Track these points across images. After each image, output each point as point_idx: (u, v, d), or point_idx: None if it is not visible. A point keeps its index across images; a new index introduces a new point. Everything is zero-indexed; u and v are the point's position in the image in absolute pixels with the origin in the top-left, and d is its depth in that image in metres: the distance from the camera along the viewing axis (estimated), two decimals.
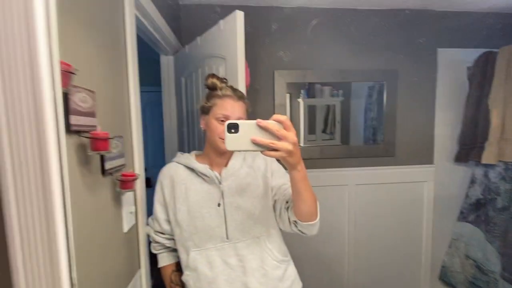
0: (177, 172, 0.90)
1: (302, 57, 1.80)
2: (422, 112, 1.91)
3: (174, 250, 0.95)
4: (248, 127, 0.58)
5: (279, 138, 0.58)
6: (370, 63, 1.84)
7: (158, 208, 0.92)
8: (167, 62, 1.68)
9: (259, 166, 0.91)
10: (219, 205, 0.84)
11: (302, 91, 1.99)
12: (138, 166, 0.95)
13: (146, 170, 3.48)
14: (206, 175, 0.86)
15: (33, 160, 0.32)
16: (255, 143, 0.57)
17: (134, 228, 0.94)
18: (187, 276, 0.87)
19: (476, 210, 1.82)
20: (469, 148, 1.81)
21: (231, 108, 0.83)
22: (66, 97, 0.56)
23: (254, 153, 0.94)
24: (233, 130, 0.58)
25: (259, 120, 0.57)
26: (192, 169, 0.88)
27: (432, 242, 1.97)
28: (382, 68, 1.85)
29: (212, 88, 0.88)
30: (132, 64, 0.92)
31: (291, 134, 0.58)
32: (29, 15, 0.30)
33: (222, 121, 0.82)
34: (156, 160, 2.91)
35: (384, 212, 1.92)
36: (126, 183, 0.76)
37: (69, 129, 0.57)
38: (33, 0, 0.30)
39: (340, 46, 1.81)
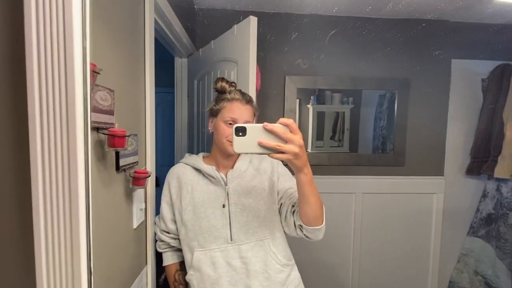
0: (184, 173, 0.91)
1: (314, 63, 1.82)
2: (433, 122, 1.88)
3: (179, 250, 0.96)
4: (255, 130, 0.60)
5: (285, 141, 0.59)
6: (383, 71, 1.84)
7: (164, 207, 0.93)
8: (181, 64, 1.72)
9: (265, 169, 0.92)
10: (224, 206, 0.85)
11: (312, 97, 2.00)
12: (150, 164, 0.97)
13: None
14: (212, 176, 0.87)
15: (61, 154, 0.34)
16: (262, 145, 0.59)
17: (143, 224, 0.96)
18: (191, 276, 0.88)
19: (487, 225, 1.78)
20: (482, 161, 1.77)
21: (239, 112, 0.84)
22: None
23: (261, 156, 0.96)
24: (240, 133, 0.60)
25: (266, 123, 0.59)
26: (199, 170, 0.90)
27: (440, 256, 1.93)
28: (394, 76, 1.85)
29: (221, 91, 0.90)
30: (149, 66, 0.95)
31: (297, 137, 0.60)
32: (67, 17, 0.32)
33: (230, 124, 0.84)
34: (164, 159, 2.96)
35: (391, 223, 1.89)
36: (139, 180, 0.78)
37: (90, 126, 0.59)
38: (72, 3, 0.32)
39: (353, 53, 1.82)
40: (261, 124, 0.59)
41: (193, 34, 1.68)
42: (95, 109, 0.60)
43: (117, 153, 0.73)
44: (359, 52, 1.82)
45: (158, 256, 1.05)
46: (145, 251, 0.98)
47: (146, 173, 0.80)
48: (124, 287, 0.83)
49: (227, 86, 0.89)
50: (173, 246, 0.97)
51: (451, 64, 1.83)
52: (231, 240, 0.84)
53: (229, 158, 0.91)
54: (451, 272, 1.92)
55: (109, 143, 0.63)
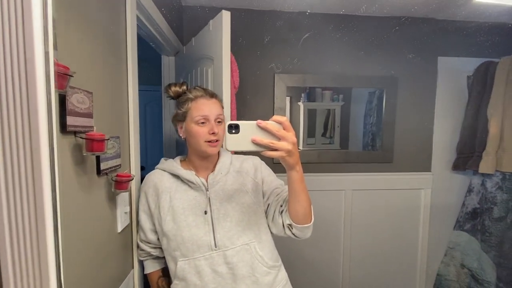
0: (161, 180, 0.87)
1: (303, 61, 1.81)
2: (421, 119, 1.91)
3: (160, 257, 0.95)
4: (248, 128, 0.60)
5: (278, 138, 0.60)
6: (371, 69, 1.85)
7: (143, 217, 0.89)
8: (168, 63, 1.69)
9: (248, 170, 0.89)
10: (205, 212, 0.82)
11: (302, 95, 2.00)
12: (135, 167, 0.95)
13: (144, 169, 3.46)
14: (192, 182, 0.84)
15: (25, 160, 0.33)
16: (255, 143, 0.59)
17: (128, 228, 0.94)
18: (175, 286, 0.85)
19: (472, 219, 1.82)
20: (467, 156, 1.81)
21: (207, 108, 0.82)
22: (63, 98, 0.57)
23: (242, 157, 0.94)
24: (233, 131, 0.60)
25: (259, 120, 0.59)
26: (177, 176, 0.86)
27: (428, 250, 1.97)
28: (382, 74, 1.86)
29: (177, 96, 0.87)
30: (132, 66, 0.92)
31: (291, 135, 0.60)
32: (27, 15, 0.31)
33: (203, 123, 0.81)
34: (154, 158, 2.93)
35: (381, 219, 1.92)
36: (121, 183, 0.77)
37: (66, 130, 0.57)
38: (31, 4, 0.30)
39: (342, 51, 1.82)
40: (254, 121, 0.60)
41: (180, 32, 1.65)
42: (71, 113, 0.58)
43: (97, 157, 0.71)
44: (348, 50, 1.82)
45: None
46: (131, 255, 0.97)
47: (129, 176, 0.78)
48: None
49: (178, 88, 0.87)
50: (151, 255, 0.95)
51: (437, 62, 1.86)
52: (216, 247, 0.81)
53: (208, 160, 0.88)
54: (439, 266, 1.97)
55: (87, 147, 0.61)
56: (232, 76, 1.31)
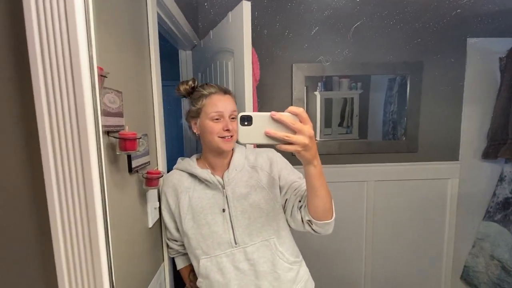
0: (180, 180, 0.88)
1: (322, 49, 1.75)
2: (448, 105, 1.82)
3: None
4: (261, 120, 0.56)
5: (294, 131, 0.55)
6: (394, 55, 1.77)
7: (166, 216, 0.91)
8: (185, 57, 1.69)
9: (262, 165, 0.88)
10: (223, 210, 0.82)
11: (319, 84, 1.95)
12: (162, 163, 0.97)
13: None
14: (208, 181, 0.84)
15: (75, 161, 0.33)
16: (268, 136, 0.55)
17: (158, 223, 0.97)
18: (200, 283, 0.87)
19: (503, 210, 1.74)
20: (499, 144, 1.71)
21: (222, 104, 0.81)
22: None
23: (256, 151, 0.92)
24: (246, 123, 0.56)
25: (273, 112, 0.55)
26: (194, 175, 0.87)
27: (455, 241, 1.91)
28: (406, 60, 1.77)
29: (188, 93, 0.88)
30: (155, 63, 0.93)
31: (308, 127, 0.56)
32: (71, 20, 0.30)
33: (217, 119, 0.81)
34: (173, 154, 2.98)
35: (405, 210, 1.87)
36: (152, 180, 0.78)
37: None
38: (75, 7, 0.30)
39: (362, 37, 1.75)
40: (268, 113, 0.55)
41: (196, 25, 1.64)
42: (104, 113, 0.59)
43: (128, 156, 0.73)
44: (368, 35, 1.74)
45: None
46: (161, 248, 0.99)
47: (159, 173, 0.79)
48: (143, 284, 0.85)
49: (186, 85, 0.86)
50: (180, 252, 0.98)
51: (466, 43, 1.75)
52: (236, 244, 0.82)
53: (223, 156, 0.87)
54: (466, 257, 1.91)
55: (120, 146, 0.62)
56: (253, 68, 1.29)
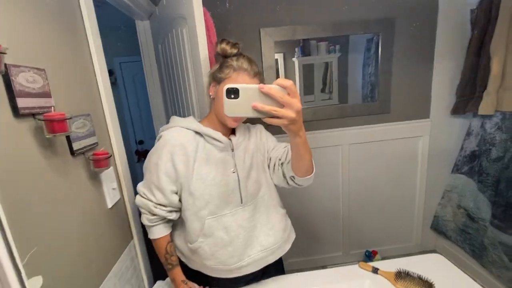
0: (187, 139, 0.83)
1: (290, 11, 1.66)
2: (419, 64, 1.80)
3: (170, 221, 0.92)
4: (249, 93, 0.55)
5: (282, 104, 0.55)
6: (365, 12, 1.69)
7: (164, 179, 0.82)
8: (143, 28, 1.57)
9: (256, 132, 0.96)
10: (233, 172, 0.85)
11: (296, 49, 1.87)
12: (116, 142, 0.93)
13: (143, 142, 3.49)
14: (220, 142, 0.84)
15: None
16: (256, 109, 0.54)
17: (121, 202, 0.96)
18: (200, 243, 0.85)
19: (470, 162, 1.81)
20: (467, 99, 1.74)
21: None
22: (7, 80, 0.52)
23: (249, 120, 0.91)
24: (232, 96, 0.55)
25: (261, 85, 0.54)
26: (200, 135, 0.84)
27: (426, 194, 2.01)
28: (377, 17, 1.70)
29: (224, 55, 0.83)
30: (92, 34, 0.85)
31: (296, 101, 0.55)
32: None
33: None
34: (152, 131, 2.93)
35: (379, 169, 1.93)
36: (99, 161, 0.75)
37: (19, 113, 0.54)
38: None
39: None
40: (256, 86, 0.54)
41: None
42: (21, 94, 0.54)
43: (68, 138, 0.69)
44: None
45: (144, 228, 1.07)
46: (128, 226, 1.00)
47: (106, 153, 0.76)
48: (111, 261, 0.86)
49: (228, 48, 0.82)
50: (164, 219, 0.91)
51: None
52: (241, 203, 0.86)
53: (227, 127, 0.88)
54: (436, 208, 2.03)
55: (48, 128, 0.58)
56: (209, 35, 1.21)
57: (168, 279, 0.94)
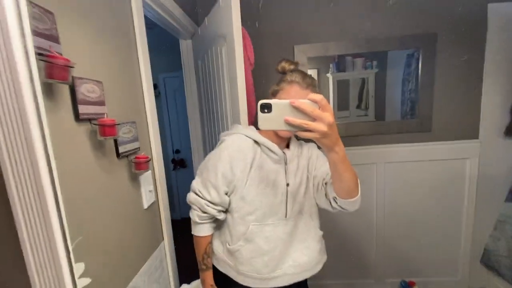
0: (248, 146, 0.87)
1: (324, 27, 1.69)
2: (466, 80, 1.68)
3: (215, 222, 0.95)
4: (281, 107, 0.58)
5: (314, 118, 0.57)
6: (403, 28, 1.65)
7: (221, 179, 0.86)
8: (186, 46, 1.72)
9: (308, 149, 0.97)
10: (287, 185, 0.88)
11: (331, 65, 1.88)
12: (155, 148, 1.02)
13: (179, 152, 3.67)
14: (276, 154, 0.87)
15: (22, 148, 0.37)
16: (287, 123, 0.57)
17: (155, 204, 1.03)
18: (240, 247, 0.88)
19: None
20: None
21: (296, 96, 0.81)
22: (72, 89, 0.62)
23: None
24: (266, 110, 0.58)
25: (293, 99, 0.57)
26: (258, 145, 0.88)
27: (474, 224, 1.81)
28: (416, 32, 1.65)
29: (282, 72, 0.88)
30: (143, 53, 0.96)
31: (327, 115, 0.57)
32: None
33: None
34: (188, 141, 3.09)
35: (419, 191, 1.80)
36: (140, 164, 0.83)
37: (79, 118, 0.64)
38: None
39: (366, 11, 1.65)
40: (288, 101, 0.57)
41: (194, 13, 1.65)
42: (82, 102, 0.64)
43: (115, 141, 0.78)
44: (373, 8, 1.64)
45: (176, 231, 1.13)
46: (160, 228, 1.07)
47: (146, 157, 0.84)
48: (142, 259, 0.92)
49: (286, 65, 0.87)
50: (212, 218, 0.92)
51: (487, 10, 1.58)
52: (286, 217, 0.89)
53: (283, 139, 0.92)
54: (487, 240, 1.80)
55: (100, 132, 0.67)
56: (246, 52, 1.28)
57: (193, 283, 0.97)
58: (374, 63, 1.84)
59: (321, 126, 0.57)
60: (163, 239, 1.08)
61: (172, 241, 1.13)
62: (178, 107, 3.10)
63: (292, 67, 0.87)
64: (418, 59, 1.73)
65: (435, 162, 1.76)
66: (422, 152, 1.75)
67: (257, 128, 0.69)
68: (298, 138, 1.00)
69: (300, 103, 0.56)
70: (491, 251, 1.79)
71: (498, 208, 1.74)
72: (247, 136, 0.89)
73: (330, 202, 0.84)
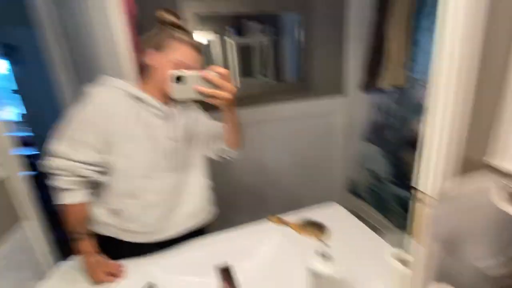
0: (123, 100, 0.81)
1: None
2: (333, 42, 1.96)
3: (90, 187, 0.84)
4: (192, 78, 0.69)
5: (219, 87, 0.70)
6: None
7: (91, 135, 0.77)
8: None
9: (190, 107, 1.00)
10: (169, 139, 0.87)
11: (228, 28, 1.82)
12: None
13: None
14: (159, 110, 0.85)
15: None
16: (199, 92, 0.69)
17: (8, 180, 0.85)
18: (126, 205, 0.84)
19: (376, 132, 2.09)
20: (373, 75, 1.94)
21: (193, 60, 0.83)
22: None
23: None
24: (179, 81, 0.68)
25: (204, 73, 0.69)
26: (139, 100, 0.83)
27: (343, 160, 2.28)
28: None
29: (162, 22, 0.82)
30: None
31: (231, 85, 0.72)
32: None
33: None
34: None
35: (301, 142, 2.10)
36: None
37: None
38: None
39: None
40: (197, 72, 0.69)
41: None
42: None
43: None
44: None
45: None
46: (13, 206, 0.88)
47: None
48: None
49: (166, 15, 0.82)
50: (87, 182, 0.82)
51: None
52: (173, 169, 0.90)
53: (168, 97, 0.84)
54: (351, 173, 2.32)
55: None
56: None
57: (73, 258, 0.87)
58: (268, 27, 1.91)
59: (227, 95, 0.71)
60: (17, 220, 0.90)
61: (42, 218, 0.96)
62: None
63: (172, 18, 0.82)
64: (299, 22, 1.89)
65: (313, 116, 2.08)
66: (303, 108, 2.03)
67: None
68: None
69: (213, 76, 0.69)
70: (354, 180, 2.32)
71: (358, 147, 2.23)
72: (121, 89, 0.82)
73: (216, 152, 1.00)
